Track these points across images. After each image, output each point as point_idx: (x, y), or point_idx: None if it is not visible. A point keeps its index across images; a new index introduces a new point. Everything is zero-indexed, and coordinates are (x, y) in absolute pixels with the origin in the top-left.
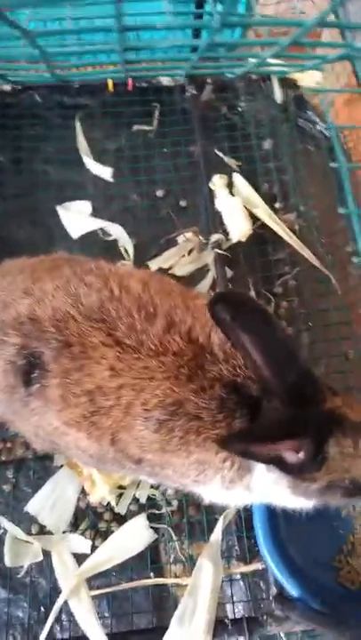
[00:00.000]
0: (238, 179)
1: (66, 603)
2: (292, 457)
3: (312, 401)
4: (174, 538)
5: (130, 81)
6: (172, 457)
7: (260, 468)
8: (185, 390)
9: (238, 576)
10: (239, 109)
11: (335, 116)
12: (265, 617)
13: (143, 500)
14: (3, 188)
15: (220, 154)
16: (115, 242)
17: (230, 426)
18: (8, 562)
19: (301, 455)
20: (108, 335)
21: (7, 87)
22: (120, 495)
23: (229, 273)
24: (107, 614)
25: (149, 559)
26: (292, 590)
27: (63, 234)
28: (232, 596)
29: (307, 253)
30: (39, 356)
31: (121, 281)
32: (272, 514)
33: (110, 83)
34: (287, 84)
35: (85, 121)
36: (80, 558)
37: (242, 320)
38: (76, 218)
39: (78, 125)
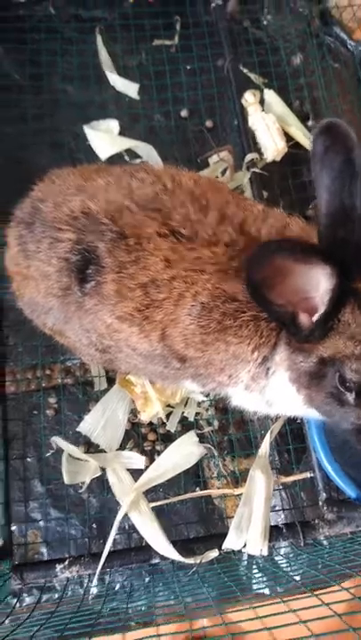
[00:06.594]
0: (270, 95)
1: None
2: (305, 319)
3: (352, 269)
4: (216, 455)
5: None
6: (212, 353)
7: (279, 365)
8: (233, 282)
9: (280, 487)
10: (264, 23)
11: None
12: (316, 521)
13: (191, 418)
14: (21, 109)
15: (245, 70)
16: None
17: None
18: (67, 479)
19: (315, 318)
20: (164, 224)
21: None
22: (169, 414)
23: (264, 194)
24: None
25: (197, 475)
26: (351, 492)
27: (86, 157)
28: (277, 506)
29: None
30: (94, 250)
31: (173, 177)
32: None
33: None
34: None
35: (103, 35)
36: (133, 474)
37: (331, 161)
38: (105, 137)
39: (99, 39)
